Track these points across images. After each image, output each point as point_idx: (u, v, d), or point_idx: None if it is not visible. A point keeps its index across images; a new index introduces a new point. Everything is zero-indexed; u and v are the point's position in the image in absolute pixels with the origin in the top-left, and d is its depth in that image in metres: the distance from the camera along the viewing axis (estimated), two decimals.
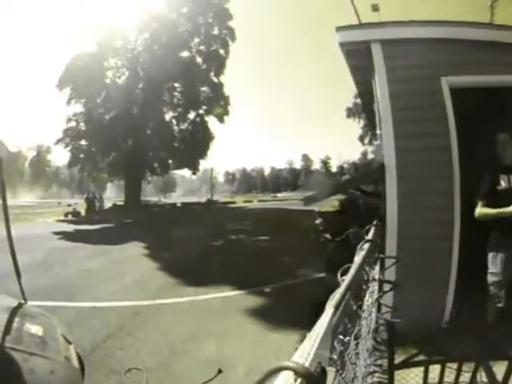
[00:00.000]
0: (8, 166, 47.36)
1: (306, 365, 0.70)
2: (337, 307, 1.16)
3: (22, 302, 2.93)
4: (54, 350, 2.41)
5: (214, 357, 3.99)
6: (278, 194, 70.38)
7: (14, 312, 2.53)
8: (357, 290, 1.69)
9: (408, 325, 2.13)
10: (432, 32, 4.29)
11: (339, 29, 4.54)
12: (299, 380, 0.63)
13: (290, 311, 5.29)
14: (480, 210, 3.33)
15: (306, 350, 0.79)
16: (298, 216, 20.20)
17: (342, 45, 4.64)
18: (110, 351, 4.16)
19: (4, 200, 3.33)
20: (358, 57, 4.81)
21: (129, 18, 29.54)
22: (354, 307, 1.53)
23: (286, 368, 0.65)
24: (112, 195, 60.56)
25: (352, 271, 1.66)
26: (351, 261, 2.02)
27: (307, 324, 4.12)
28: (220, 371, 3.62)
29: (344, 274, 1.75)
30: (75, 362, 2.63)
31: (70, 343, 2.82)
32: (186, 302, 6.09)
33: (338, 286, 1.77)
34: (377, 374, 2.19)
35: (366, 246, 2.33)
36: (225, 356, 4.02)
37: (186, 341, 4.48)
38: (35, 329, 2.47)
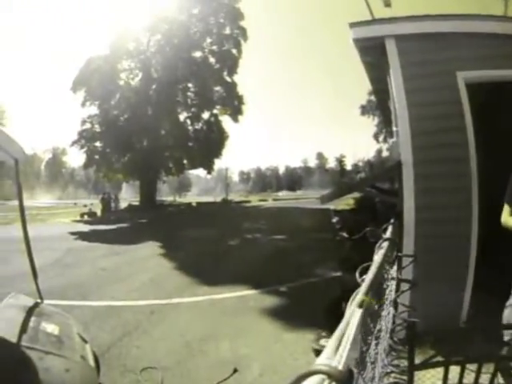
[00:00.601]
0: (24, 167, 48.42)
1: (340, 368, 0.66)
2: (360, 306, 1.11)
3: (39, 301, 2.95)
4: (70, 349, 2.43)
5: (230, 356, 3.98)
6: (279, 194, 69.86)
7: (30, 311, 2.56)
8: (378, 289, 1.64)
9: (425, 324, 2.07)
10: (446, 26, 4.20)
11: (353, 25, 4.48)
12: None
13: (306, 311, 5.23)
14: (506, 218, 2.69)
15: (337, 351, 0.75)
16: (313, 214, 20.12)
17: (356, 41, 4.58)
18: (126, 350, 4.17)
19: (21, 201, 3.38)
20: (372, 53, 4.74)
21: (140, 21, 29.86)
22: (376, 307, 1.49)
23: (320, 372, 0.61)
24: (127, 195, 61.20)
25: (373, 269, 1.61)
26: (368, 260, 1.98)
27: (323, 324, 4.10)
28: (235, 370, 3.60)
29: (362, 273, 1.71)
30: (91, 361, 2.64)
31: (85, 342, 2.84)
32: (202, 301, 6.08)
33: (354, 285, 1.73)
34: (393, 375, 2.15)
35: (385, 244, 2.28)
36: (240, 355, 4.00)
37: (201, 340, 4.47)
38: (51, 328, 2.49)
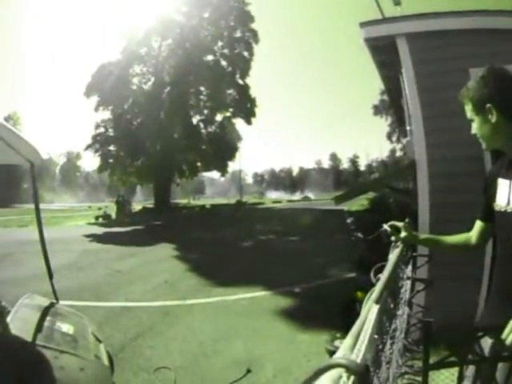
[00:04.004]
0: (40, 171, 49.30)
1: (358, 361, 0.64)
2: (377, 303, 1.09)
3: (54, 301, 2.99)
4: (85, 349, 2.44)
5: (243, 357, 3.97)
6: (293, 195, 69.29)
7: (45, 311, 2.58)
8: (393, 288, 1.61)
9: (439, 324, 2.03)
10: (457, 23, 4.15)
11: (363, 24, 4.46)
12: (352, 378, 0.58)
13: (320, 311, 5.20)
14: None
15: (355, 346, 0.73)
16: (327, 215, 20.00)
17: (367, 40, 4.56)
18: (140, 350, 4.20)
19: (36, 204, 3.43)
20: (384, 52, 4.71)
21: (151, 26, 30.15)
22: (392, 305, 1.46)
23: (338, 365, 0.59)
24: (142, 198, 61.87)
25: (388, 268, 1.58)
26: (383, 260, 1.95)
27: (337, 325, 4.06)
28: (249, 371, 3.58)
29: (377, 273, 1.68)
30: (105, 360, 2.65)
31: (100, 342, 2.86)
32: (216, 302, 6.09)
33: (369, 285, 1.70)
34: (407, 376, 2.11)
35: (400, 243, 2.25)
36: (253, 356, 3.99)
37: (215, 340, 4.47)
38: (66, 327, 2.51)
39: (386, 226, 1.99)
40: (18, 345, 1.95)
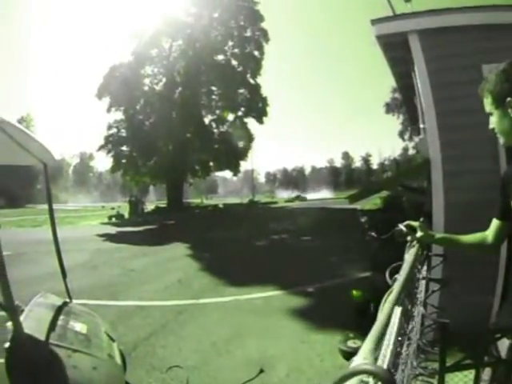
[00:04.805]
0: (53, 172, 50.14)
1: (385, 367, 0.62)
2: (399, 305, 1.06)
3: (68, 300, 3.01)
4: (98, 348, 2.46)
5: (256, 356, 3.95)
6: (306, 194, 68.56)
7: (59, 310, 2.61)
8: (410, 288, 1.58)
9: (454, 325, 1.98)
10: (469, 19, 4.07)
11: (374, 22, 4.40)
12: None
13: (334, 311, 5.15)
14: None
15: (375, 352, 0.70)
16: (340, 214, 19.87)
17: (379, 38, 4.50)
18: (153, 349, 4.21)
19: (50, 204, 3.47)
20: (395, 49, 4.65)
21: (161, 27, 30.32)
22: (409, 307, 1.42)
23: (365, 372, 0.57)
24: (155, 198, 62.38)
25: (406, 268, 1.55)
26: (397, 259, 1.91)
27: (350, 324, 4.00)
28: (261, 371, 3.56)
29: (392, 273, 1.64)
30: (118, 359, 2.66)
31: (113, 341, 2.87)
32: (229, 301, 6.07)
33: (383, 285, 1.66)
34: (420, 378, 2.06)
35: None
36: (266, 356, 3.96)
37: (228, 340, 4.46)
38: (79, 326, 2.53)
39: (401, 226, 1.95)
40: (31, 344, 1.96)
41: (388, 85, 44.10)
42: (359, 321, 4.11)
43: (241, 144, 33.64)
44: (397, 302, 1.09)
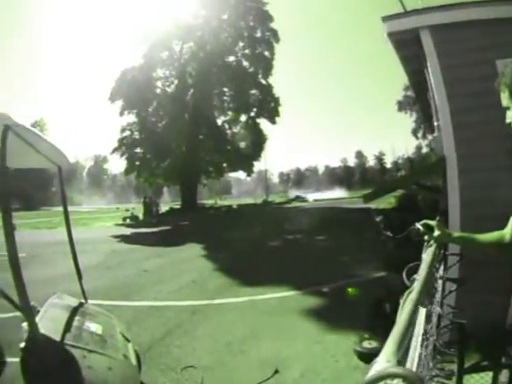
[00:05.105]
0: (68, 175, 51.05)
1: (414, 370, 0.60)
2: (416, 305, 1.04)
3: (83, 301, 3.04)
4: (113, 348, 2.47)
5: (271, 357, 3.93)
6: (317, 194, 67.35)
7: (74, 311, 2.63)
8: (428, 288, 1.55)
9: (470, 326, 1.94)
10: (481, 13, 3.98)
11: (385, 19, 4.37)
12: None
13: (348, 312, 5.09)
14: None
15: (398, 353, 0.69)
16: (354, 214, 19.70)
17: (391, 35, 4.46)
18: (167, 349, 4.23)
19: (65, 206, 3.52)
20: (407, 46, 4.60)
21: (171, 30, 30.55)
22: (428, 307, 1.40)
23: (395, 375, 0.55)
24: (169, 199, 62.83)
25: (424, 268, 1.52)
26: (412, 259, 1.88)
27: (365, 325, 3.94)
28: (276, 371, 3.55)
29: (409, 273, 1.62)
30: (133, 360, 2.67)
31: (128, 341, 2.89)
32: (244, 301, 6.07)
33: (398, 285, 1.63)
34: (436, 379, 2.02)
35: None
36: (281, 356, 3.94)
37: (242, 340, 4.45)
38: (95, 327, 2.55)
39: (418, 225, 1.92)
40: (47, 344, 1.98)
41: (400, 83, 43.71)
42: (374, 321, 4.07)
43: (254, 144, 33.63)
44: (418, 303, 1.07)
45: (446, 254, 2.89)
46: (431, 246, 1.92)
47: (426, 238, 1.92)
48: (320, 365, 3.70)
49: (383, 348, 0.75)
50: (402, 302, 1.14)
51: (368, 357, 3.61)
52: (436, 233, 1.84)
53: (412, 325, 0.98)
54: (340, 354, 3.88)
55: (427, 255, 1.81)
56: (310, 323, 4.96)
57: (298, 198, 54.02)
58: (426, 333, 1.30)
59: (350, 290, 6.05)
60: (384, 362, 0.65)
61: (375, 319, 4.09)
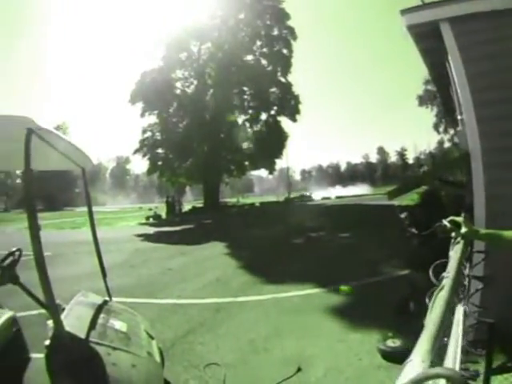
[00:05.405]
0: (91, 176, 52.32)
1: (457, 370, 0.59)
2: (448, 304, 1.01)
3: (107, 299, 3.10)
4: (137, 346, 2.50)
5: (294, 355, 3.91)
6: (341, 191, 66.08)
7: (99, 308, 2.68)
8: (457, 286, 1.51)
9: (495, 325, 1.87)
10: (502, 3, 3.81)
11: (404, 12, 4.28)
12: None
13: (372, 310, 5.01)
14: None
15: (432, 352, 0.67)
16: (377, 211, 19.41)
17: (410, 28, 4.36)
18: (190, 346, 4.27)
19: (89, 207, 3.60)
20: (427, 39, 4.50)
21: (188, 32, 30.82)
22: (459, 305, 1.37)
23: (440, 376, 0.53)
24: (191, 198, 63.55)
25: (454, 266, 1.48)
26: (438, 257, 1.82)
27: (389, 323, 3.86)
28: (299, 369, 3.53)
29: (435, 270, 1.58)
30: (157, 357, 2.70)
31: (152, 339, 2.92)
32: (267, 299, 6.05)
33: (423, 283, 1.59)
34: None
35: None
36: (304, 354, 3.91)
37: (266, 338, 4.44)
38: (119, 325, 2.59)
39: (445, 222, 1.87)
40: (71, 341, 2.02)
41: (420, 77, 42.77)
42: (398, 319, 3.99)
43: (275, 142, 33.57)
44: (450, 300, 1.04)
45: (473, 251, 2.81)
46: (458, 243, 1.87)
47: (452, 234, 1.86)
48: (343, 363, 3.65)
49: (416, 346, 0.73)
50: (430, 300, 1.11)
51: (392, 355, 3.55)
52: (463, 229, 1.78)
53: (444, 323, 0.94)
54: (363, 353, 3.82)
55: (455, 252, 1.76)
56: (334, 321, 4.90)
57: (302, 197, 53.08)
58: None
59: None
60: (419, 361, 0.63)
61: (399, 317, 4.01)
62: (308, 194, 58.68)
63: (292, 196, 54.05)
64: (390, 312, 4.44)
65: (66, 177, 62.80)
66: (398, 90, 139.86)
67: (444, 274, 1.48)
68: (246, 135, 34.15)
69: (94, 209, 3.95)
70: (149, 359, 2.50)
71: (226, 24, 31.37)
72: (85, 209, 3.67)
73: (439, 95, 9.49)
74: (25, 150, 1.98)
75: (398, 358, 3.48)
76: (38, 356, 2.55)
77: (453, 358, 0.66)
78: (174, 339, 4.44)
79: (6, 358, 2.40)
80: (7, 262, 2.32)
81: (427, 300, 1.41)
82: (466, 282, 1.95)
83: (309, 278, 6.99)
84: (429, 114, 47.85)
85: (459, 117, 4.98)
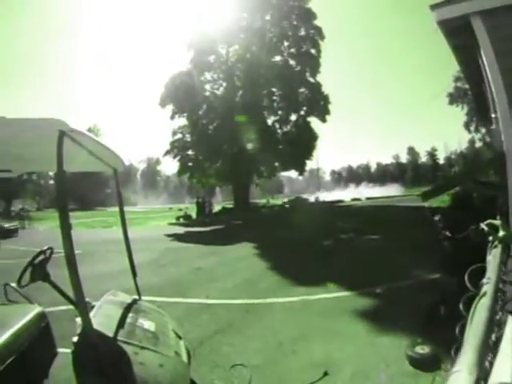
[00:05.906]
0: (123, 177, 53.75)
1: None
2: (491, 312, 0.96)
3: (136, 298, 3.14)
4: (165, 345, 2.52)
5: (321, 358, 3.85)
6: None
7: (128, 307, 2.72)
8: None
9: None
10: None
11: (434, 7, 4.15)
12: None
13: (401, 314, 4.86)
14: None
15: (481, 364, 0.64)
16: (408, 213, 18.90)
17: (440, 23, 4.22)
18: (217, 346, 4.29)
19: (121, 206, 3.67)
20: (459, 34, 4.33)
21: (216, 34, 31.13)
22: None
23: None
24: (221, 199, 64.05)
25: (494, 270, 1.40)
26: (471, 261, 1.74)
27: (419, 329, 3.73)
28: (326, 373, 3.47)
29: (471, 276, 1.51)
30: (184, 357, 2.71)
31: (180, 338, 2.94)
32: (296, 301, 6.00)
33: (455, 288, 1.52)
34: None
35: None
36: (331, 358, 3.85)
37: (294, 340, 4.40)
38: (148, 324, 2.62)
39: (482, 225, 1.78)
40: (99, 339, 2.06)
41: (450, 74, 41.35)
42: (428, 325, 3.85)
43: (305, 143, 33.31)
44: (494, 309, 0.99)
45: (510, 255, 2.68)
46: (496, 247, 1.78)
47: (490, 238, 1.77)
48: (370, 369, 3.55)
49: (461, 356, 0.69)
50: (473, 307, 1.05)
51: (420, 362, 3.43)
52: (501, 233, 1.69)
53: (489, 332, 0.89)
54: (391, 359, 3.70)
55: (494, 257, 1.68)
56: (362, 325, 4.79)
57: (297, 200, 49.13)
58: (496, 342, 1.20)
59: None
60: (466, 373, 0.60)
61: (429, 323, 3.87)
62: (304, 196, 55.16)
63: (296, 196, 52.83)
64: (420, 317, 4.30)
65: (97, 178, 64.65)
66: (427, 88, 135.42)
67: (484, 280, 1.41)
68: (276, 136, 34.06)
69: (126, 209, 4.02)
70: (176, 359, 2.51)
71: (253, 25, 31.44)
72: (116, 209, 3.75)
73: (471, 93, 9.14)
74: (57, 151, 2.02)
75: (426, 365, 3.36)
76: (65, 351, 2.62)
77: (510, 370, 0.62)
78: (202, 339, 4.46)
79: (34, 351, 2.46)
80: (38, 259, 2.40)
81: (461, 306, 1.34)
82: (504, 288, 1.86)
83: (338, 280, 6.88)
84: (459, 113, 46.22)
85: (493, 115, 4.76)
